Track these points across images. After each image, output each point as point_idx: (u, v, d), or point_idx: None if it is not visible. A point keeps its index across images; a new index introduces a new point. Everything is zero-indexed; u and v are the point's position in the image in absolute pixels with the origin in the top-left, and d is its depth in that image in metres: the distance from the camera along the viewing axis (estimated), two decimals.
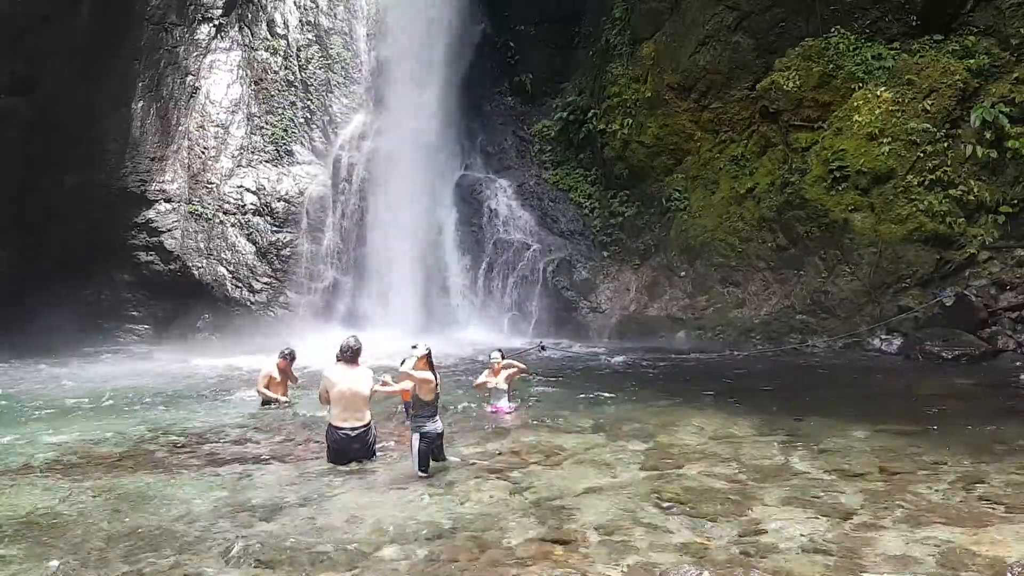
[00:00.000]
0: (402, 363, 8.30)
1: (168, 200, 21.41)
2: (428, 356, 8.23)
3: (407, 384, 10.70)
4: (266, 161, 22.58)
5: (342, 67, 23.64)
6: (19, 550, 6.32)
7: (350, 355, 8.55)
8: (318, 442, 9.18)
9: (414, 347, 8.32)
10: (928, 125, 16.71)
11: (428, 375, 8.15)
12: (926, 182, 16.54)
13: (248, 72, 23.01)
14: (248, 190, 22.14)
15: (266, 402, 11.91)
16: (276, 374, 12.05)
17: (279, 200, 22.15)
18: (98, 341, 20.05)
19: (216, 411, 11.98)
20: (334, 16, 23.88)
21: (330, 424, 8.48)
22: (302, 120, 23.17)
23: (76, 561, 6.05)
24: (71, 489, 7.95)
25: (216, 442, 10.09)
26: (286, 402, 11.97)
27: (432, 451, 8.17)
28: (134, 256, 21.14)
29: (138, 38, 21.17)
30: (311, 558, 5.98)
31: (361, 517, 6.88)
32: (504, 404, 11.13)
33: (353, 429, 8.36)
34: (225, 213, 21.83)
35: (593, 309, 20.63)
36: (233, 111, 22.64)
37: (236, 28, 23.24)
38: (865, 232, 16.82)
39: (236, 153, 22.42)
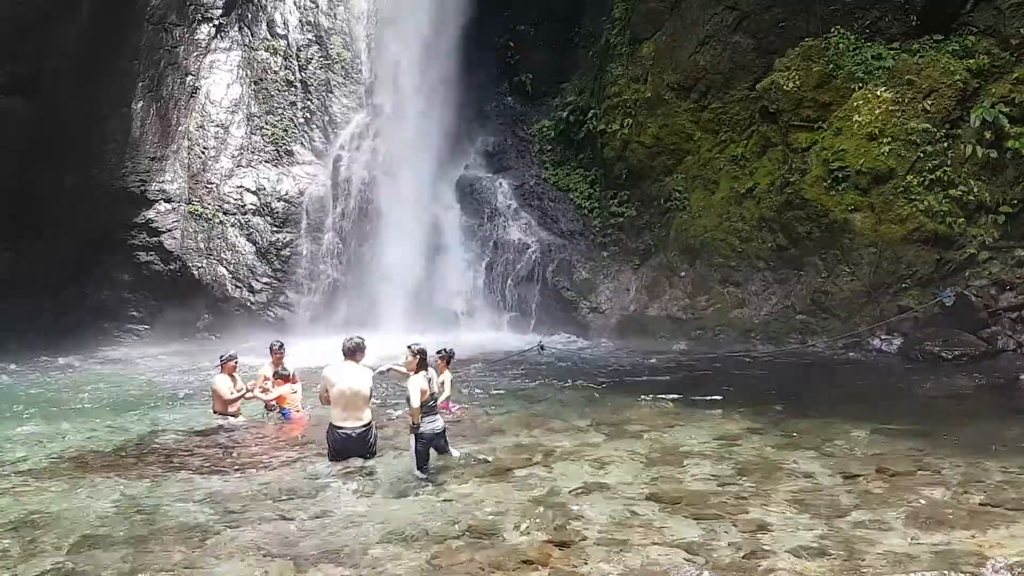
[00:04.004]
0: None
1: (168, 200, 21.40)
2: (421, 358, 8.17)
3: (284, 389, 11.14)
4: (266, 161, 22.57)
5: (342, 67, 23.63)
6: (19, 549, 6.32)
7: (352, 347, 8.48)
8: (315, 441, 9.20)
9: (408, 347, 8.32)
10: (928, 125, 16.71)
11: (417, 381, 8.05)
12: (926, 182, 16.53)
13: (248, 72, 23.01)
14: (248, 190, 22.13)
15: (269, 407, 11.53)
16: (269, 373, 11.65)
17: (279, 200, 22.14)
18: (98, 341, 20.05)
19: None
20: (334, 16, 23.87)
21: (330, 424, 8.46)
22: (302, 120, 23.16)
23: (77, 560, 6.05)
24: (69, 489, 7.96)
25: (216, 441, 10.11)
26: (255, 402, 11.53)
27: (437, 447, 8.16)
28: (134, 256, 21.13)
29: (138, 38, 21.15)
30: (311, 557, 5.98)
31: (361, 517, 6.88)
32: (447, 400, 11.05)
33: (353, 429, 8.33)
34: (225, 213, 21.83)
35: (593, 309, 20.62)
36: (233, 111, 22.63)
37: (236, 28, 23.22)
38: (865, 232, 16.82)
39: (236, 153, 22.41)
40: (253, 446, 9.87)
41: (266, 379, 11.56)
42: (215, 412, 11.22)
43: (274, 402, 11.28)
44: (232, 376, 11.24)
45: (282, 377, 11.33)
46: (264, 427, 10.92)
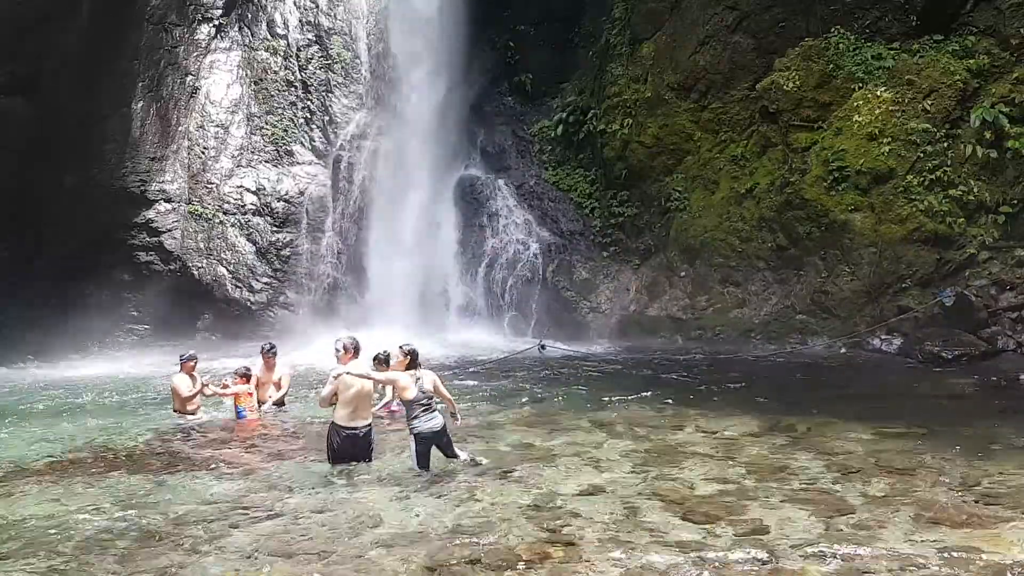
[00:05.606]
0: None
1: (168, 200, 21.38)
2: (412, 358, 8.15)
3: (242, 387, 11.17)
4: (266, 161, 22.55)
5: (342, 67, 23.60)
6: (8, 552, 6.30)
7: (358, 345, 8.46)
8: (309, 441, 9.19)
9: (400, 347, 8.31)
10: (928, 125, 16.72)
11: (393, 375, 8.09)
12: (926, 182, 16.54)
13: (248, 72, 22.99)
14: (248, 190, 22.11)
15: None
16: (262, 375, 11.66)
17: (279, 200, 22.13)
18: (98, 341, 20.03)
19: (215, 411, 11.96)
20: (334, 16, 23.84)
21: (335, 424, 8.36)
22: (302, 120, 23.13)
23: (68, 562, 6.04)
24: (68, 489, 7.95)
25: (214, 442, 10.10)
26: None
27: (440, 447, 8.14)
28: (134, 256, 21.10)
29: (138, 38, 21.10)
30: (311, 558, 5.98)
31: (361, 517, 6.87)
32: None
33: (360, 429, 8.32)
34: (225, 213, 21.81)
35: (593, 309, 20.62)
36: (233, 111, 22.61)
37: (236, 28, 23.20)
38: (865, 232, 16.82)
39: (236, 153, 22.38)
40: (240, 445, 9.89)
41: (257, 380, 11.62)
42: (175, 411, 11.36)
43: (230, 398, 11.37)
44: (192, 376, 11.35)
45: (243, 376, 11.34)
46: (232, 426, 10.98)
